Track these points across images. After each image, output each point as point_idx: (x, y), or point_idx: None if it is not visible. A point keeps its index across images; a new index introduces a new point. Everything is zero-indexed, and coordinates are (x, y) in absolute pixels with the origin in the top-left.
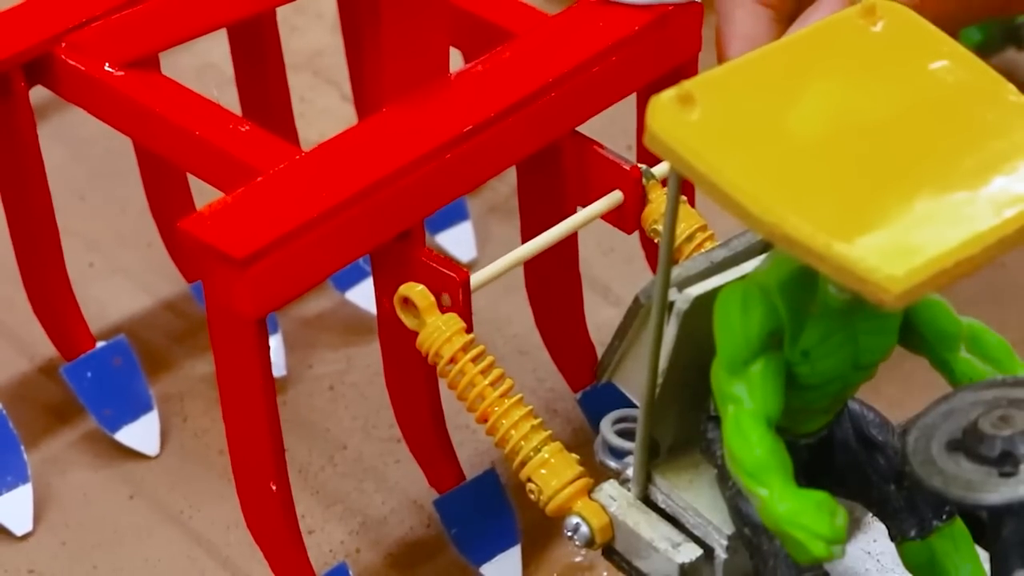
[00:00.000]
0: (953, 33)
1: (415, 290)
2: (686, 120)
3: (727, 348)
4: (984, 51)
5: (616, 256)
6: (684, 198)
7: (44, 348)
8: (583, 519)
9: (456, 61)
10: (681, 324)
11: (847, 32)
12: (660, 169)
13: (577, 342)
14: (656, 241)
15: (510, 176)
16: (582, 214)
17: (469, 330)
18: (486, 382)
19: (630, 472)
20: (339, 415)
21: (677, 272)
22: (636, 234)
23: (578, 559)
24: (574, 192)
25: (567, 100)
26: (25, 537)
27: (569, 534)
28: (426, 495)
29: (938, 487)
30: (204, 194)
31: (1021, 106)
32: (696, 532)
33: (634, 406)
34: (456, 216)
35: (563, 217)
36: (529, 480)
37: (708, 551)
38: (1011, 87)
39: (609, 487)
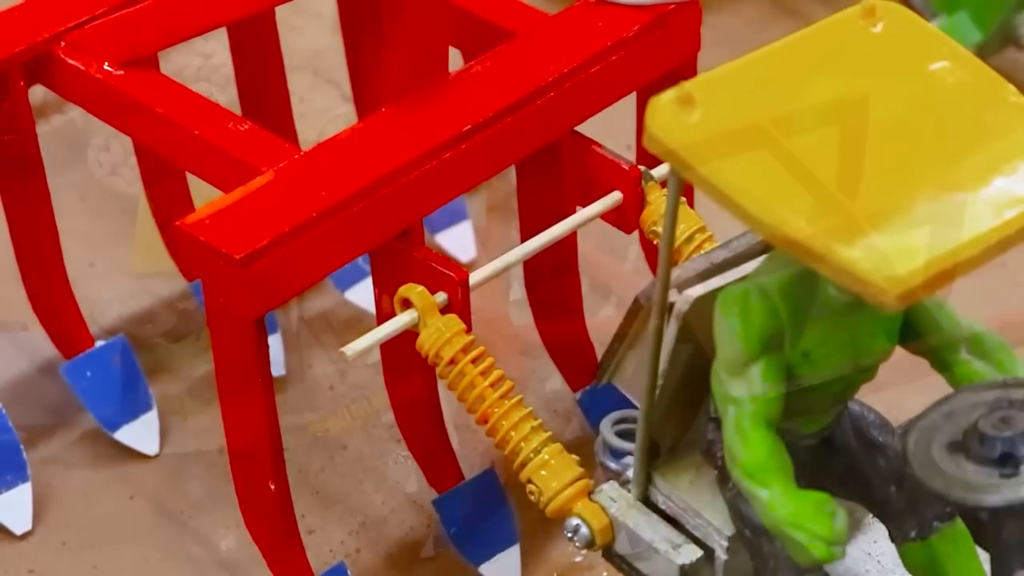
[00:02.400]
0: None
1: (415, 291)
2: (686, 121)
3: (727, 349)
4: (984, 51)
5: (616, 256)
6: (683, 199)
7: (44, 347)
8: (583, 520)
9: (456, 61)
10: (681, 325)
11: (847, 33)
12: (660, 171)
13: (576, 342)
14: (655, 242)
15: (511, 175)
16: (581, 214)
17: (468, 330)
18: (486, 383)
19: (630, 473)
20: (339, 415)
21: (677, 273)
22: (636, 234)
23: (578, 559)
24: (573, 192)
25: (566, 100)
26: (25, 537)
27: (569, 535)
28: (426, 495)
29: (939, 488)
30: (202, 195)
31: (1021, 106)
32: (696, 533)
33: (634, 407)
34: (456, 216)
35: (562, 217)
36: (529, 481)
37: (708, 552)
38: (1011, 87)
39: (609, 488)
